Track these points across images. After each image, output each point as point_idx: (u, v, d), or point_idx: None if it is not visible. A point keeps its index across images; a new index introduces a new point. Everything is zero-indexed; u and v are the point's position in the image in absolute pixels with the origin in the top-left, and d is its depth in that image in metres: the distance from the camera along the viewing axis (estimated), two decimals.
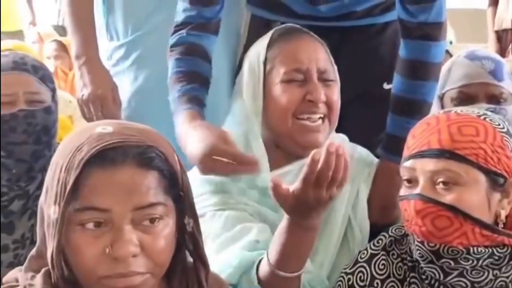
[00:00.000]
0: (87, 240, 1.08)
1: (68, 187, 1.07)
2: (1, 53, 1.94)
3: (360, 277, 1.46)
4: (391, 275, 1.45)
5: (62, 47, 4.35)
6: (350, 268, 1.49)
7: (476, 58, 1.93)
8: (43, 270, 1.12)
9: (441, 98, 1.96)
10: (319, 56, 1.69)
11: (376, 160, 1.79)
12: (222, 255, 1.51)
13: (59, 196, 1.09)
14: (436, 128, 1.38)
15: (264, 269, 1.41)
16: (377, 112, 1.84)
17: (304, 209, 1.31)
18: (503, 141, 1.37)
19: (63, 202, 1.07)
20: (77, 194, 1.08)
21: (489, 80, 1.90)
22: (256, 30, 1.94)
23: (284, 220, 1.35)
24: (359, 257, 1.49)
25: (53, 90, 1.92)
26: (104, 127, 1.13)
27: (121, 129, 1.13)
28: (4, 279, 1.19)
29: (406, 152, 1.41)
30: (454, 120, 1.38)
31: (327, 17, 1.92)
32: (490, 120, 1.40)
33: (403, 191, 1.41)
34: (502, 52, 4.60)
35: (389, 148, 1.74)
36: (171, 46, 1.81)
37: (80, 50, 2.17)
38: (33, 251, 1.18)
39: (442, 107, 1.93)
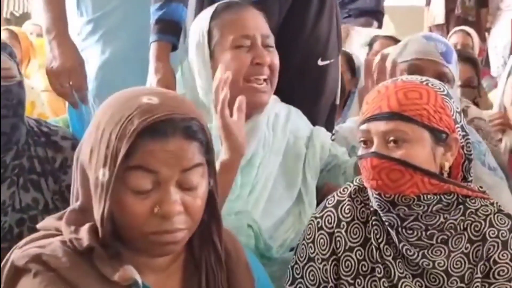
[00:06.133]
0: (137, 201, 1.16)
1: (121, 154, 1.14)
2: None
3: (328, 220, 1.58)
4: (356, 218, 1.57)
5: (14, 36, 4.21)
6: (319, 213, 1.61)
7: (431, 39, 2.11)
8: (88, 226, 1.19)
9: (394, 66, 2.12)
10: (262, 24, 1.84)
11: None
12: None
13: (109, 160, 1.15)
14: (385, 94, 1.51)
15: None
16: (311, 85, 1.98)
17: None
18: (444, 102, 1.51)
19: (114, 167, 1.15)
20: (128, 160, 1.15)
21: (439, 59, 2.05)
22: (202, 7, 2.03)
23: None
24: (327, 203, 1.61)
25: (18, 65, 1.98)
26: (149, 97, 1.19)
27: (166, 100, 1.20)
28: (40, 225, 1.26)
29: (361, 117, 1.56)
30: (401, 86, 1.52)
31: None
32: (432, 85, 1.53)
33: (360, 152, 1.55)
34: None
35: None
36: None
37: (50, 25, 2.22)
38: (74, 206, 1.23)
39: (392, 74, 2.11)
